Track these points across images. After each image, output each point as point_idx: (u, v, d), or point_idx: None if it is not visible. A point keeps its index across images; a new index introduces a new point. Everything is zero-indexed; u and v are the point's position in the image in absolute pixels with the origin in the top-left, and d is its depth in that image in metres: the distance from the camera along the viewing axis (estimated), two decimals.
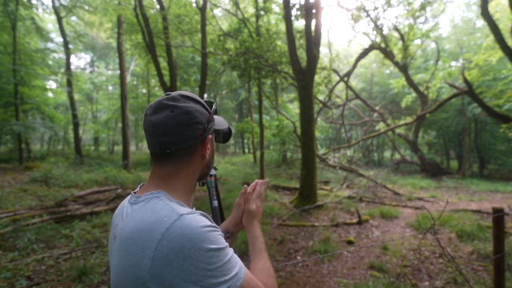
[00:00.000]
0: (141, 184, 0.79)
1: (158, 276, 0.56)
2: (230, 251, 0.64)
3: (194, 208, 0.78)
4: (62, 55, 19.62)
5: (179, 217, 0.60)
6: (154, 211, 0.63)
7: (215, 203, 1.07)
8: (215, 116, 0.84)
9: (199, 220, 0.62)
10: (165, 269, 0.56)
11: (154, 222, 0.60)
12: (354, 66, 12.33)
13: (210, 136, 0.79)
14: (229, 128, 1.05)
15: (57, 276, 3.28)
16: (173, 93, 0.74)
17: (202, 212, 0.68)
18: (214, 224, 0.64)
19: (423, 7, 10.67)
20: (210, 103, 0.81)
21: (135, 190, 0.77)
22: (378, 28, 11.71)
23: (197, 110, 0.73)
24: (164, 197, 0.68)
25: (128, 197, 0.78)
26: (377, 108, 16.51)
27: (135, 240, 0.60)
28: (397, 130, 14.36)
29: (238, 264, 0.64)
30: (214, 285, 0.57)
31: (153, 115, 0.70)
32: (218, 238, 0.62)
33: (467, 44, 17.52)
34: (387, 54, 12.70)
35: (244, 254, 3.99)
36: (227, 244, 0.63)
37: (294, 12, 7.98)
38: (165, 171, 0.72)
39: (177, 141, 0.70)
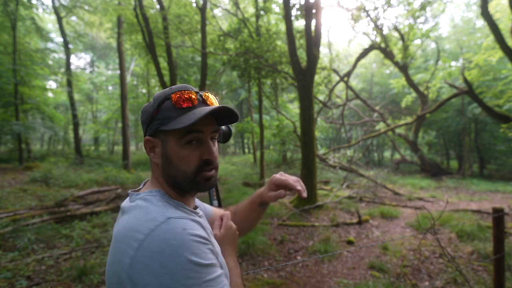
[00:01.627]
0: (145, 181, 0.78)
1: (133, 279, 0.54)
2: (217, 272, 0.58)
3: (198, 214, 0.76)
4: (62, 55, 19.62)
5: (166, 220, 0.57)
6: (146, 211, 0.61)
7: (215, 203, 1.07)
8: (195, 110, 0.65)
9: (187, 226, 0.57)
10: (140, 272, 0.53)
11: (142, 222, 0.58)
12: (354, 66, 12.33)
13: (149, 137, 0.69)
14: (228, 127, 1.03)
15: (57, 276, 3.28)
16: None
17: (197, 219, 0.63)
18: (206, 236, 0.59)
19: (423, 7, 10.67)
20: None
21: (138, 188, 0.75)
22: (378, 28, 11.71)
23: (145, 110, 0.70)
24: (159, 196, 0.66)
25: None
26: (377, 108, 16.51)
27: (122, 238, 0.58)
28: (397, 130, 14.36)
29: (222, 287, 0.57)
30: None
31: None
32: (204, 252, 0.56)
33: (467, 44, 17.52)
34: (387, 54, 12.69)
35: (244, 254, 3.99)
36: (214, 262, 0.58)
37: (294, 12, 7.98)
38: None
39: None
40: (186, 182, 0.68)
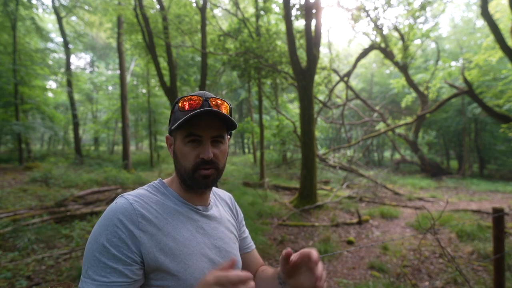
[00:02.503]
0: None
1: None
2: (103, 255, 0.62)
3: (210, 207, 0.83)
4: (62, 55, 19.61)
5: (120, 196, 0.71)
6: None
7: None
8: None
9: (117, 206, 0.68)
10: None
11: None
12: (354, 66, 12.33)
13: (168, 135, 0.81)
14: None
15: (57, 276, 3.28)
16: None
17: (141, 199, 0.71)
18: (126, 216, 0.66)
19: (423, 7, 10.66)
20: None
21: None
22: (378, 28, 11.71)
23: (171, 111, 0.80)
24: (155, 183, 0.79)
25: None
26: (377, 108, 16.51)
27: None
28: (397, 130, 14.36)
29: (98, 277, 0.61)
30: (84, 263, 0.64)
31: None
32: (104, 229, 0.65)
33: (467, 44, 17.52)
34: (387, 54, 12.69)
35: None
36: (107, 245, 0.63)
37: (294, 12, 7.98)
38: None
39: None
40: (187, 177, 0.75)
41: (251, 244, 0.98)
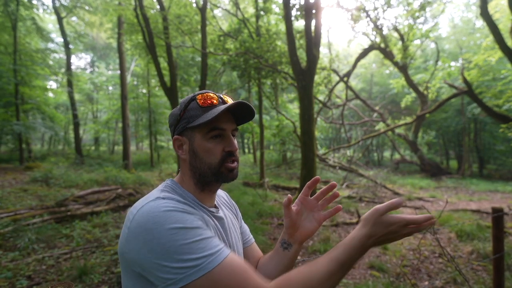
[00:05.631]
0: None
1: (130, 247, 0.62)
2: (204, 233, 0.62)
3: (218, 208, 0.84)
4: (62, 55, 19.63)
5: (154, 198, 0.66)
6: (148, 195, 0.71)
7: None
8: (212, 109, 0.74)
9: (165, 204, 0.65)
10: (134, 240, 0.61)
11: (140, 202, 0.68)
12: (354, 66, 12.35)
13: (177, 136, 0.77)
14: None
15: (57, 276, 3.29)
16: None
17: (178, 198, 0.69)
18: (183, 207, 0.65)
19: (422, 8, 10.68)
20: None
21: None
22: (378, 28, 11.73)
23: (172, 114, 0.79)
24: (169, 184, 0.76)
25: None
26: (376, 108, 16.52)
27: (128, 215, 0.68)
28: (397, 130, 14.37)
29: (215, 247, 0.61)
30: (178, 261, 0.58)
31: None
32: (184, 218, 0.62)
33: (467, 44, 17.54)
34: (387, 54, 12.71)
35: None
36: (199, 225, 0.63)
37: (294, 12, 8.00)
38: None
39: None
40: (211, 173, 0.75)
41: (251, 238, 0.99)
